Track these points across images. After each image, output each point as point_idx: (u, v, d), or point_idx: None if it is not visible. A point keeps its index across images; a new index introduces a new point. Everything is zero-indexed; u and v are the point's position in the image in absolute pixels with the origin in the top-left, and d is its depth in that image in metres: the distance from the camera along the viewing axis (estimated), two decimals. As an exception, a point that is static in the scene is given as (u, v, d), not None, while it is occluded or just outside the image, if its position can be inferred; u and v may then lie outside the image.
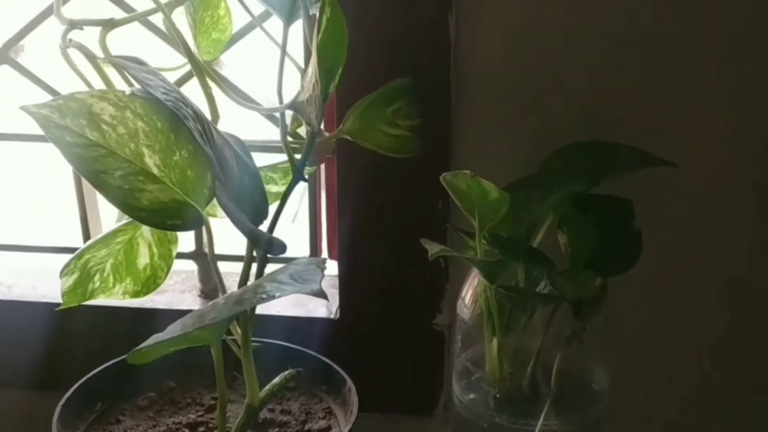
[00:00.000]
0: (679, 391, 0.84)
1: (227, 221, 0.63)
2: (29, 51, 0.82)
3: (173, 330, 0.54)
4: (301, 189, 0.82)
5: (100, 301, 0.70)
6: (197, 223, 0.59)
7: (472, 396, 0.70)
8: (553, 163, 0.69)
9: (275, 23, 0.67)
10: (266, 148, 0.79)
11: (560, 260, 0.65)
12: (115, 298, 0.69)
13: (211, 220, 0.64)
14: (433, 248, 0.64)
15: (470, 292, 0.70)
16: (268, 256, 0.62)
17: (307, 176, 0.65)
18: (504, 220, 0.64)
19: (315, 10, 0.65)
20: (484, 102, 0.76)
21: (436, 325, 0.82)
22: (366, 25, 0.72)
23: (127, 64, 0.55)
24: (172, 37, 0.64)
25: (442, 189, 0.64)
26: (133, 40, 0.71)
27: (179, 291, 0.88)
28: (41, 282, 0.89)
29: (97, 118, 0.54)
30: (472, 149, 0.77)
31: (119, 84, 0.65)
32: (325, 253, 0.86)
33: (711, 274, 0.79)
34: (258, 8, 0.69)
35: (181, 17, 0.68)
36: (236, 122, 0.69)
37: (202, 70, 0.66)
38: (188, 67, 0.73)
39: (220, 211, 0.65)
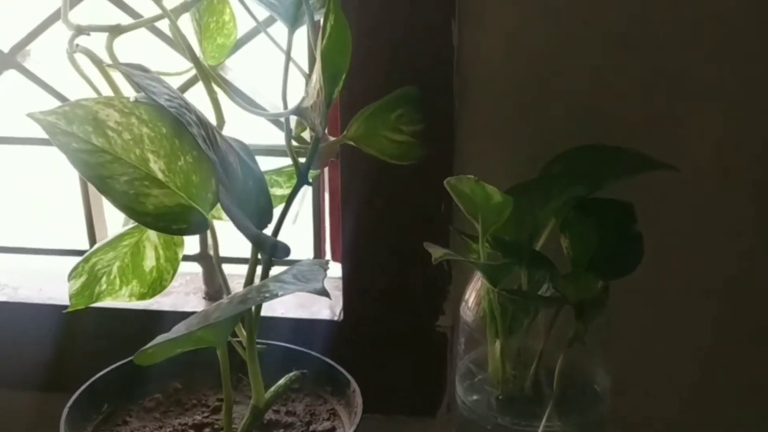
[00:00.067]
0: (679, 391, 0.84)
1: (232, 225, 0.65)
2: (35, 55, 0.82)
3: (178, 330, 0.54)
4: (303, 191, 0.83)
5: (106, 303, 0.70)
6: (202, 227, 0.60)
7: (475, 397, 0.71)
8: (554, 167, 0.70)
9: (279, 28, 0.68)
10: (271, 152, 0.79)
11: (562, 263, 0.66)
12: (122, 300, 0.69)
13: (216, 223, 0.64)
14: (436, 252, 0.65)
15: (473, 295, 0.70)
16: (273, 259, 0.63)
17: (311, 180, 0.65)
18: (507, 224, 0.64)
19: (319, 16, 0.66)
20: (486, 106, 0.76)
21: (438, 327, 0.82)
22: (370, 31, 0.72)
23: (131, 72, 0.56)
24: (178, 42, 0.65)
25: (445, 192, 0.65)
26: (138, 45, 0.71)
27: (184, 293, 0.88)
28: (47, 284, 0.89)
29: (103, 124, 0.55)
30: (475, 153, 0.77)
31: (126, 88, 0.66)
32: (328, 256, 0.87)
33: (711, 275, 0.80)
34: (262, 14, 0.69)
35: (186, 23, 0.68)
36: (241, 126, 0.70)
37: (208, 76, 0.66)
38: (193, 72, 0.73)
39: (224, 215, 0.65)
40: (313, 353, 0.74)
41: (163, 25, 0.72)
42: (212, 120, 0.64)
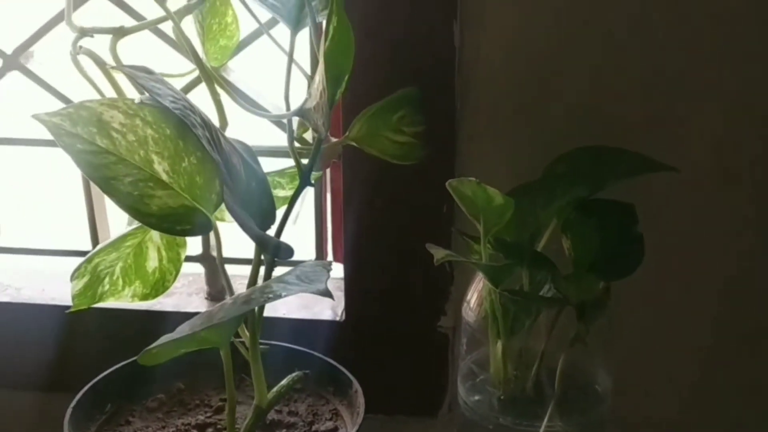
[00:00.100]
0: (679, 391, 0.84)
1: (234, 225, 0.65)
2: (39, 57, 0.82)
3: (182, 330, 0.54)
4: (303, 191, 0.83)
5: (109, 303, 0.70)
6: (206, 228, 0.60)
7: (477, 397, 0.71)
8: (556, 169, 0.70)
9: (282, 30, 0.68)
10: (273, 153, 0.79)
11: (564, 264, 0.66)
12: (125, 300, 0.70)
13: (218, 224, 0.65)
14: (438, 253, 0.65)
15: (475, 296, 0.70)
16: (276, 259, 0.63)
17: (313, 181, 0.65)
18: (508, 225, 0.65)
19: (321, 18, 0.66)
20: (487, 106, 0.76)
21: (440, 328, 0.82)
22: (371, 32, 0.72)
23: (136, 74, 0.56)
24: (181, 44, 0.65)
25: (447, 193, 0.65)
26: (139, 46, 0.71)
27: (186, 293, 0.88)
28: (50, 285, 0.89)
29: (108, 125, 0.55)
30: (477, 153, 0.77)
31: (129, 90, 0.66)
32: (330, 256, 0.87)
33: (711, 275, 0.80)
34: (265, 15, 0.70)
35: (189, 25, 0.69)
36: (242, 127, 0.70)
37: (211, 77, 0.66)
38: (195, 74, 0.74)
39: (227, 216, 0.66)
40: (316, 354, 0.74)
41: (166, 27, 0.72)
42: (215, 121, 0.64)
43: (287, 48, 0.65)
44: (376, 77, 0.73)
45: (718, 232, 0.78)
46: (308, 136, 0.72)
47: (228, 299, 0.56)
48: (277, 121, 0.79)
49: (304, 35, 0.68)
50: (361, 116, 0.68)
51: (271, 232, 0.63)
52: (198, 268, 0.88)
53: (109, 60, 0.65)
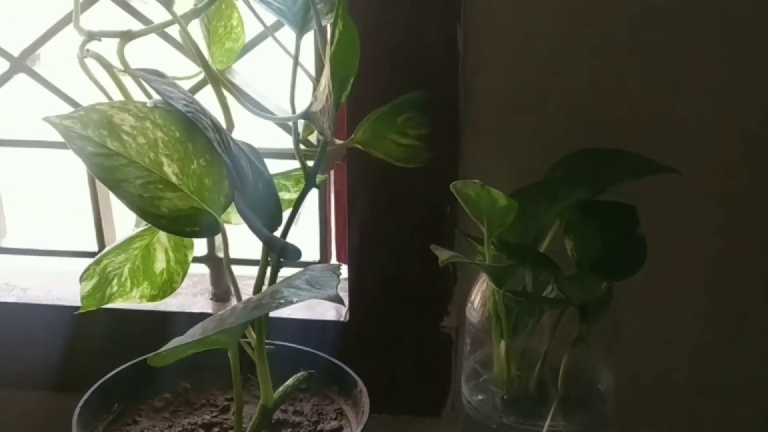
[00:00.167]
0: (680, 391, 0.85)
1: (238, 227, 0.65)
2: (45, 59, 0.83)
3: (194, 333, 0.55)
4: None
5: (115, 304, 0.71)
6: (214, 229, 0.60)
7: (480, 397, 0.72)
8: (558, 171, 0.71)
9: (286, 33, 0.68)
10: (277, 155, 0.80)
11: (567, 265, 0.66)
12: (133, 302, 0.70)
13: (225, 226, 0.65)
14: (443, 254, 0.65)
15: (479, 297, 0.71)
16: (282, 260, 0.64)
17: (318, 183, 0.66)
18: (512, 227, 0.65)
19: (326, 22, 0.67)
20: (491, 110, 0.77)
21: (443, 328, 0.83)
22: (377, 36, 0.73)
23: (148, 77, 0.56)
24: (188, 48, 0.65)
25: (450, 195, 0.66)
26: (141, 48, 0.72)
27: (191, 294, 0.89)
28: (56, 285, 0.90)
29: (118, 128, 0.55)
30: (480, 156, 0.78)
31: (135, 92, 0.66)
32: (333, 257, 0.88)
33: (713, 276, 0.80)
34: (270, 18, 0.70)
35: (195, 28, 0.69)
36: (244, 129, 0.70)
37: (218, 80, 0.67)
38: (200, 77, 0.74)
39: (234, 218, 0.66)
40: (320, 353, 0.74)
41: (173, 30, 0.72)
42: (222, 124, 0.65)
43: (292, 51, 0.66)
44: (380, 80, 0.74)
45: (719, 232, 0.79)
46: (312, 138, 0.73)
47: (239, 303, 0.56)
48: (281, 124, 0.80)
49: (308, 38, 0.69)
50: (366, 119, 0.69)
51: (277, 233, 0.64)
52: (203, 269, 0.88)
53: (116, 63, 0.66)
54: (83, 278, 0.68)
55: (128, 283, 0.69)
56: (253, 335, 0.64)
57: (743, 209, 0.78)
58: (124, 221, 0.86)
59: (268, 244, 0.60)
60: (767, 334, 0.82)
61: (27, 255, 0.92)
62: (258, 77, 0.77)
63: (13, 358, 0.89)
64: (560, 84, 0.75)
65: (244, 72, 0.76)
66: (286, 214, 0.64)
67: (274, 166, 0.68)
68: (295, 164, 0.69)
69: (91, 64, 0.67)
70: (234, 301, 0.87)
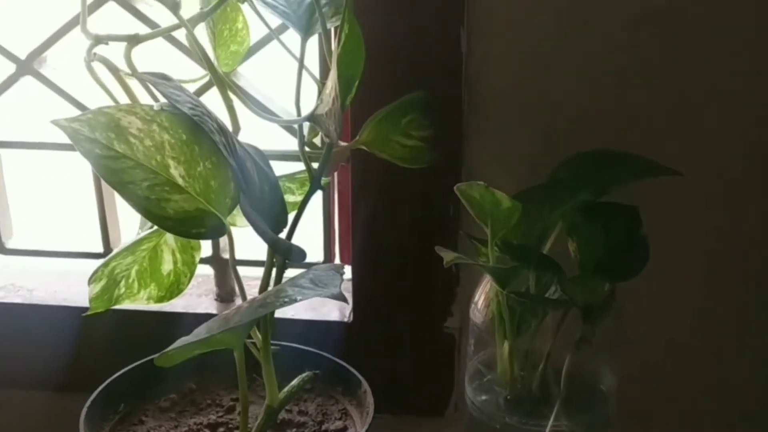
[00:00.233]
0: (680, 391, 0.85)
1: (243, 229, 0.66)
2: (51, 62, 0.83)
3: (199, 333, 0.55)
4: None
5: (121, 305, 0.71)
6: (220, 231, 0.61)
7: (484, 397, 0.72)
8: (561, 173, 0.71)
9: (291, 36, 0.69)
10: (283, 157, 0.80)
11: (570, 267, 0.67)
12: (140, 303, 0.70)
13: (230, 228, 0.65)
14: (448, 256, 0.66)
15: (482, 298, 0.71)
16: (287, 262, 0.64)
17: (323, 185, 0.66)
18: (515, 228, 0.66)
19: (331, 25, 0.67)
20: (494, 111, 0.77)
21: (447, 328, 0.83)
22: (381, 38, 0.73)
23: (155, 81, 0.57)
24: (194, 51, 0.66)
25: (454, 196, 0.66)
26: (148, 51, 0.72)
27: (196, 295, 0.89)
28: (62, 286, 0.90)
29: (125, 131, 0.56)
30: (483, 157, 0.78)
31: (141, 95, 0.67)
32: (337, 258, 0.88)
33: (713, 277, 0.81)
34: (275, 21, 0.71)
35: (200, 31, 0.70)
36: (247, 129, 0.71)
37: (224, 83, 0.67)
38: (206, 79, 0.75)
39: (239, 220, 0.67)
40: (324, 354, 0.75)
41: (178, 33, 0.73)
42: (228, 126, 0.65)
43: (297, 54, 0.66)
44: (384, 82, 0.74)
45: (720, 232, 0.79)
46: (317, 140, 0.73)
47: (244, 303, 0.57)
48: (287, 126, 0.80)
49: (313, 41, 0.69)
50: (370, 121, 0.69)
51: (282, 235, 0.64)
52: (207, 270, 0.89)
53: (122, 66, 0.66)
54: (92, 280, 0.68)
55: (135, 284, 0.70)
56: (259, 336, 0.65)
57: (743, 209, 0.78)
58: (130, 222, 0.86)
59: (273, 246, 0.60)
60: (767, 334, 0.83)
61: (33, 256, 0.92)
62: (263, 80, 0.77)
63: (19, 359, 0.89)
64: (561, 85, 0.76)
65: (249, 75, 0.77)
66: (290, 217, 0.65)
67: (279, 168, 0.69)
68: (299, 166, 0.69)
69: (98, 67, 0.67)
70: (239, 302, 0.88)
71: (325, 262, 0.87)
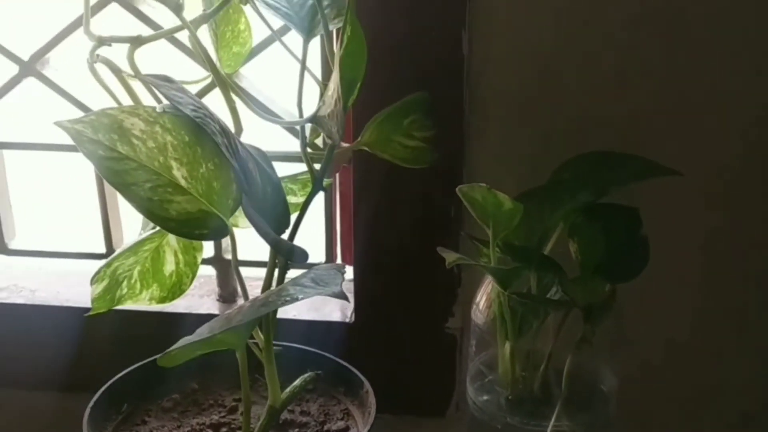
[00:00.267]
0: (680, 391, 0.85)
1: (245, 230, 0.66)
2: (54, 63, 0.84)
3: (201, 333, 0.56)
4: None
5: (124, 306, 0.71)
6: (222, 232, 0.61)
7: (485, 397, 0.72)
8: (562, 175, 0.71)
9: (293, 37, 0.69)
10: (285, 158, 0.81)
11: (571, 267, 0.67)
12: (142, 304, 0.71)
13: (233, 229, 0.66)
14: (450, 256, 0.66)
15: (484, 298, 0.72)
16: (289, 263, 0.65)
17: (325, 186, 0.67)
18: (517, 229, 0.66)
19: (333, 27, 0.67)
20: (495, 112, 0.77)
21: (448, 329, 0.84)
22: (383, 40, 0.74)
23: (158, 83, 0.57)
24: (197, 52, 0.66)
25: (455, 197, 0.66)
26: (150, 52, 0.73)
27: (198, 295, 0.90)
28: (64, 287, 0.91)
29: (128, 132, 0.56)
30: (485, 158, 0.79)
31: (144, 96, 0.67)
32: (339, 258, 0.89)
33: (713, 277, 0.81)
34: (277, 23, 0.71)
35: (203, 33, 0.70)
36: (254, 131, 0.71)
37: (226, 85, 0.67)
38: (208, 81, 0.75)
39: (242, 221, 0.67)
40: (326, 354, 0.75)
41: (181, 35, 0.73)
42: (230, 127, 0.65)
43: (299, 55, 0.67)
44: (385, 83, 0.74)
45: (721, 232, 0.79)
46: (319, 141, 0.73)
47: (245, 302, 0.57)
48: (289, 127, 0.80)
49: (315, 42, 0.69)
50: (372, 122, 0.69)
51: (284, 236, 0.64)
52: (209, 271, 0.89)
53: (124, 67, 0.66)
54: (94, 281, 0.68)
55: (138, 285, 0.70)
56: (261, 336, 0.65)
57: (743, 209, 0.79)
58: (132, 223, 0.86)
59: (275, 247, 0.61)
60: (767, 335, 0.83)
61: (35, 257, 0.93)
62: (265, 81, 0.77)
63: (22, 359, 0.90)
64: (561, 85, 0.76)
65: (251, 76, 0.77)
66: (293, 218, 0.65)
67: (281, 169, 0.69)
68: (301, 167, 0.70)
69: (100, 68, 0.68)
70: (241, 303, 0.88)
71: (326, 262, 0.87)
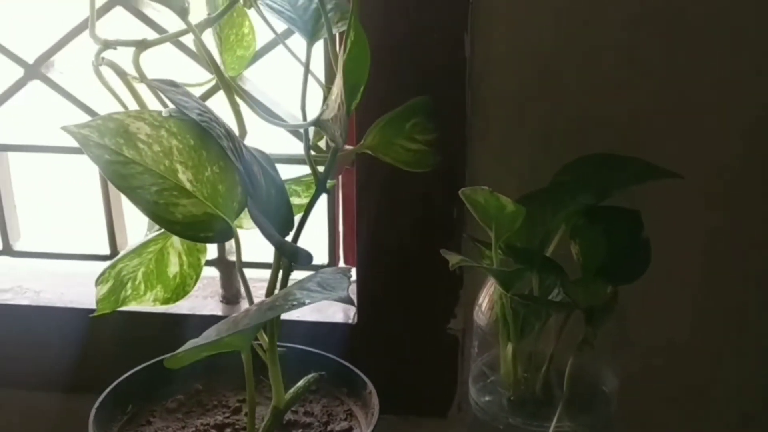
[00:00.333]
0: (680, 391, 0.86)
1: (248, 232, 0.67)
2: (59, 66, 0.84)
3: (209, 335, 0.56)
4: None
5: (128, 307, 0.72)
6: (227, 235, 0.62)
7: (487, 398, 0.72)
8: (564, 177, 0.71)
9: (297, 41, 0.69)
10: (288, 160, 0.81)
11: (572, 269, 0.67)
12: (146, 305, 0.71)
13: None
14: (453, 259, 0.67)
15: (486, 300, 0.72)
16: (293, 264, 0.65)
17: (328, 188, 0.67)
18: (519, 232, 0.66)
19: (337, 30, 0.68)
20: (497, 115, 0.78)
21: (450, 330, 0.84)
22: (385, 44, 0.74)
23: (163, 87, 0.58)
24: (201, 56, 0.66)
25: (458, 199, 0.67)
26: (154, 55, 0.73)
27: (202, 297, 0.90)
28: (69, 288, 0.91)
29: (134, 137, 0.57)
30: (486, 159, 0.79)
31: (149, 99, 0.67)
32: (341, 260, 0.89)
33: (713, 277, 0.81)
34: (281, 26, 0.71)
35: (207, 36, 0.70)
36: (258, 133, 0.71)
37: (231, 88, 0.68)
38: (212, 84, 0.75)
39: (246, 223, 0.68)
40: (329, 355, 0.75)
41: (186, 38, 0.73)
42: (234, 130, 0.66)
43: (303, 59, 0.67)
44: (388, 87, 0.75)
45: (721, 233, 0.80)
46: (322, 143, 0.74)
47: (252, 306, 0.57)
48: (292, 130, 0.81)
49: (318, 46, 0.70)
50: (375, 125, 0.70)
51: (288, 238, 0.65)
52: (213, 272, 0.89)
53: (129, 70, 0.67)
54: (98, 282, 0.69)
55: (142, 286, 0.71)
56: (265, 338, 0.65)
57: (743, 209, 0.79)
58: (136, 225, 0.87)
59: (280, 248, 0.61)
60: (767, 335, 0.83)
61: (40, 258, 0.93)
62: (269, 84, 0.78)
63: (27, 360, 0.90)
64: (562, 85, 0.76)
65: (255, 79, 0.77)
66: (296, 220, 0.66)
67: (285, 172, 0.70)
68: (305, 169, 0.70)
69: (106, 71, 0.68)
70: (244, 304, 0.89)
71: (329, 264, 0.87)
